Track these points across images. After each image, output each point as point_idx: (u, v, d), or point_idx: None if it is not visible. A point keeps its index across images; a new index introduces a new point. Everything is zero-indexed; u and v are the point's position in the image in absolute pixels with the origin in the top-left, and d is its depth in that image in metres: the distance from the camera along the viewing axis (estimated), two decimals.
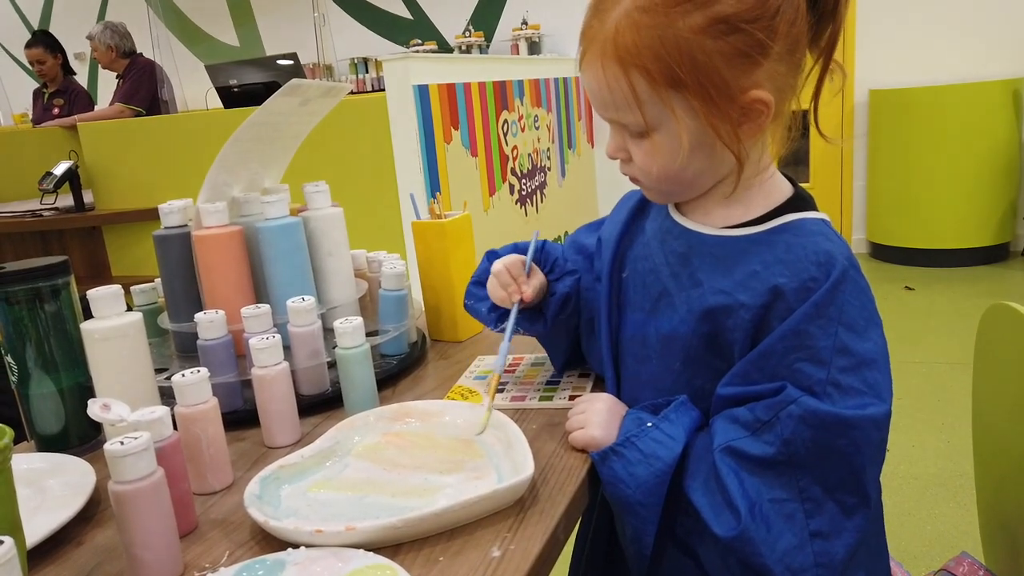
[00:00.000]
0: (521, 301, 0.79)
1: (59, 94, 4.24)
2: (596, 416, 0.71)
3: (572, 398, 0.81)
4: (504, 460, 0.68)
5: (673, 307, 0.70)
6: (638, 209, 0.80)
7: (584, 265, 0.85)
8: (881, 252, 4.23)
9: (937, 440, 2.22)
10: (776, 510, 0.59)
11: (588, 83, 0.67)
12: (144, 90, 3.95)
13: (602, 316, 0.78)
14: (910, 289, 3.65)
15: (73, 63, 6.25)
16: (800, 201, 0.69)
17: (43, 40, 4.18)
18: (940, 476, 2.03)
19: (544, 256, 0.85)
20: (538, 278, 0.82)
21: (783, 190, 0.70)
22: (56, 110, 4.15)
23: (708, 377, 0.68)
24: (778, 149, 0.69)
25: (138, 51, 4.10)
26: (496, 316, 0.85)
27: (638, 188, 0.81)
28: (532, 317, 0.84)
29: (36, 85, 4.44)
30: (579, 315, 0.85)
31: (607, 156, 0.71)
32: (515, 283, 0.80)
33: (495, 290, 0.82)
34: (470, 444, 0.72)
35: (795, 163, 4.53)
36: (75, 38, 4.86)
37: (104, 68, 4.08)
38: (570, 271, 0.84)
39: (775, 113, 0.64)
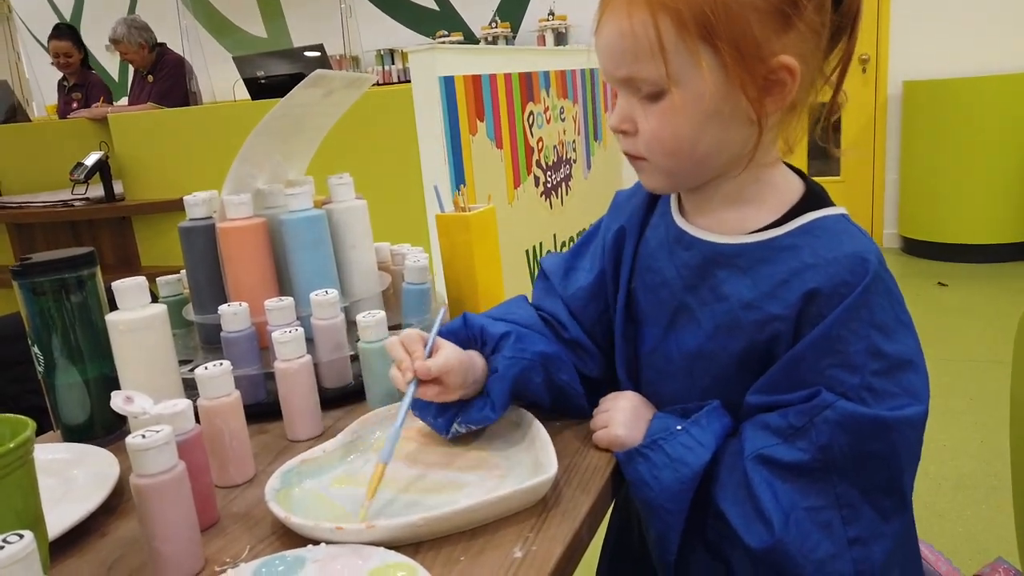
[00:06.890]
0: (419, 381, 0.66)
1: (78, 87, 4.29)
2: (620, 414, 0.69)
3: None
4: (527, 459, 0.67)
5: (696, 323, 0.67)
6: (646, 208, 0.74)
7: (591, 292, 0.76)
8: (913, 247, 4.16)
9: (970, 440, 2.17)
10: (812, 518, 0.57)
11: (607, 37, 0.61)
12: (177, 90, 3.94)
13: (617, 328, 0.75)
14: (943, 285, 3.58)
15: (103, 54, 6.35)
16: (815, 197, 0.66)
17: (70, 34, 4.22)
18: (973, 477, 1.99)
19: (468, 331, 0.73)
20: (445, 354, 0.67)
21: (794, 186, 0.67)
22: (75, 104, 4.19)
23: (740, 392, 0.65)
24: (791, 143, 0.65)
25: (161, 42, 4.10)
26: (444, 421, 0.70)
27: (629, 190, 0.77)
28: (479, 404, 0.70)
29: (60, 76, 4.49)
30: (567, 374, 0.73)
31: (610, 128, 0.66)
32: (408, 359, 0.67)
33: (393, 373, 0.69)
34: (493, 442, 0.71)
35: (826, 155, 4.46)
36: (107, 29, 4.92)
37: (136, 67, 4.07)
38: (503, 333, 0.71)
39: (795, 99, 0.61)
